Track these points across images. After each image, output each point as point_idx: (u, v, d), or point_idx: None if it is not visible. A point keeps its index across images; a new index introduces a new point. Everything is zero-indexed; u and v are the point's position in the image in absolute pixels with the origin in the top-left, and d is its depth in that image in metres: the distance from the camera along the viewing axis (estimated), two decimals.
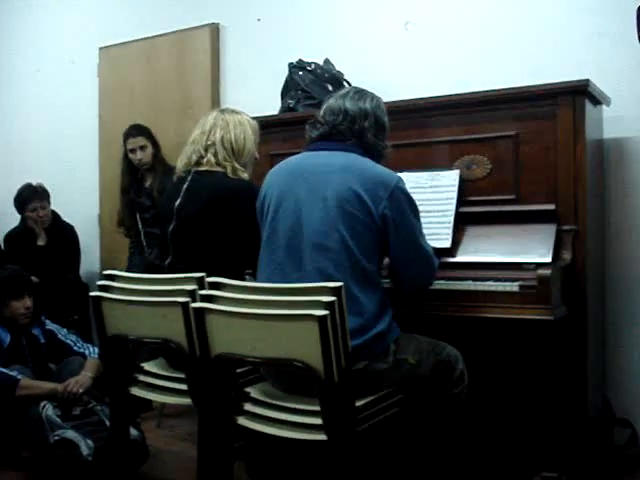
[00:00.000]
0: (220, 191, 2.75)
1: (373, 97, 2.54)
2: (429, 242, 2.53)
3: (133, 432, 3.06)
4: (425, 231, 2.48)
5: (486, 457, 2.92)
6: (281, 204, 2.41)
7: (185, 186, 2.82)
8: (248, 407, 2.33)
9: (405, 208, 2.36)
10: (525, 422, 2.86)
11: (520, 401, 2.88)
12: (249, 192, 2.68)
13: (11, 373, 3.34)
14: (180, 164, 2.91)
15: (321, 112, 2.54)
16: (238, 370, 2.43)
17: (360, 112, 2.46)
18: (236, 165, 2.81)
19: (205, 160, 2.82)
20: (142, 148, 4.30)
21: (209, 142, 2.83)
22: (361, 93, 2.54)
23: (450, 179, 3.00)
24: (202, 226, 2.74)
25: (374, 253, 2.34)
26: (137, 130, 4.35)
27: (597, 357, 3.09)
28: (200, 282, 2.42)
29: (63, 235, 4.81)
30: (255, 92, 4.27)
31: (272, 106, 3.79)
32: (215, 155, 2.81)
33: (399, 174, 2.43)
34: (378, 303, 2.32)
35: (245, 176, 2.83)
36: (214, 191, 2.75)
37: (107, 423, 3.11)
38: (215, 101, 4.56)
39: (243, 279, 2.74)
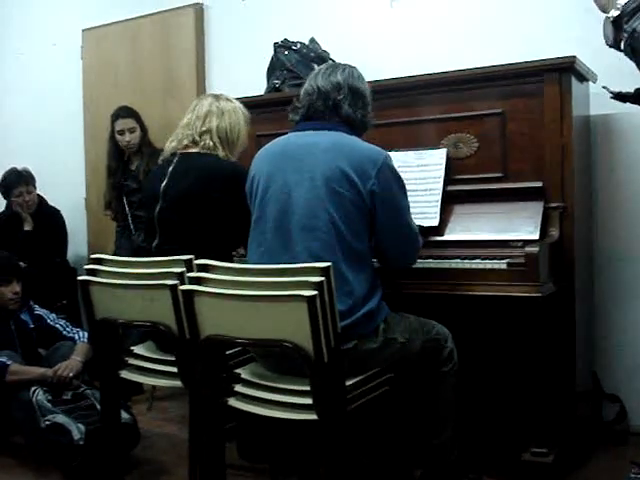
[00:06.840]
0: (210, 171, 2.75)
1: (345, 68, 2.51)
2: (416, 221, 2.53)
3: (124, 415, 3.06)
4: (413, 210, 2.48)
5: (476, 434, 2.94)
6: (269, 186, 2.39)
7: (171, 168, 2.81)
8: (239, 388, 2.33)
9: (392, 184, 2.36)
10: (514, 398, 2.88)
11: (509, 378, 2.90)
12: (240, 173, 2.68)
13: (0, 359, 3.32)
14: (169, 145, 2.90)
15: (300, 97, 2.53)
16: (228, 352, 2.43)
17: (332, 86, 2.44)
18: (227, 153, 2.84)
19: (199, 145, 2.82)
20: (131, 130, 4.25)
21: (204, 128, 2.84)
22: (333, 67, 2.52)
23: (437, 158, 3.00)
24: (189, 206, 2.73)
25: (363, 232, 2.33)
26: (127, 112, 4.29)
27: (585, 333, 3.10)
28: (188, 264, 2.41)
29: (49, 219, 4.79)
30: (240, 72, 4.24)
31: (258, 86, 3.76)
32: (210, 141, 2.82)
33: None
34: (367, 283, 2.31)
35: (233, 160, 2.85)
36: (203, 171, 2.75)
37: (98, 407, 3.10)
38: (200, 82, 4.53)
39: (231, 260, 2.74)
